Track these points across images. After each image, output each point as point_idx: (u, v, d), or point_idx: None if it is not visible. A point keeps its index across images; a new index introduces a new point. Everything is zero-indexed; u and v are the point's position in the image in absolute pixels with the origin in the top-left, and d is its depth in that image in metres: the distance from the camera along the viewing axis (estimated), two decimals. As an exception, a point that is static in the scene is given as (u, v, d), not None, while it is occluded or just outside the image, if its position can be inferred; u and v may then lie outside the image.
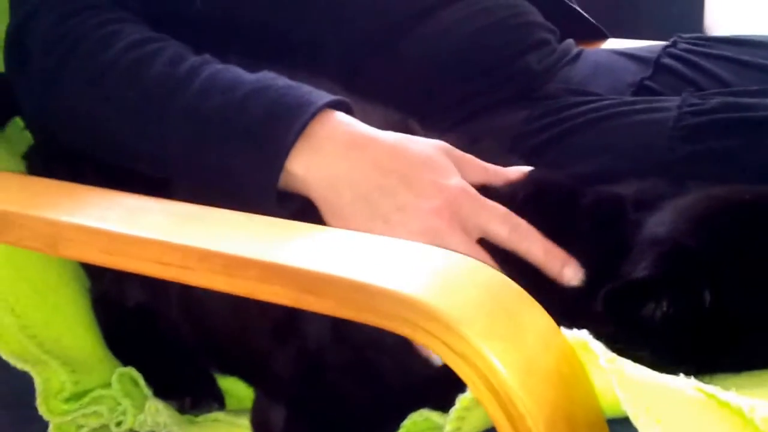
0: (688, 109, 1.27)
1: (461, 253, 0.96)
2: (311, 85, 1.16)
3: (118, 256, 0.97)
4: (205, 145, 1.12)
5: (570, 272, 1.03)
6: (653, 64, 1.47)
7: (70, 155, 1.27)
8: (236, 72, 1.16)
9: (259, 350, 1.16)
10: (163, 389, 1.25)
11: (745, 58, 1.46)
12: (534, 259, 1.04)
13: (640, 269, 0.99)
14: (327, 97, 1.11)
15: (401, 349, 0.98)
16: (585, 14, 1.74)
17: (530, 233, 1.05)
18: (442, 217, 1.05)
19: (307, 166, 1.08)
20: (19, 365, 1.23)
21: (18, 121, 1.38)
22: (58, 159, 1.29)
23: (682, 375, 0.89)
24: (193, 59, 1.18)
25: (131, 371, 1.26)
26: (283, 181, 1.08)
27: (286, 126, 1.09)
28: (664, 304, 0.98)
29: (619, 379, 0.84)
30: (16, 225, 1.03)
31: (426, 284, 0.85)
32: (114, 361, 1.30)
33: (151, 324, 1.29)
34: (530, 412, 0.79)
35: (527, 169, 1.14)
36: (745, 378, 1.00)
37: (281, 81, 1.14)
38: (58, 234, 1.00)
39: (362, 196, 1.06)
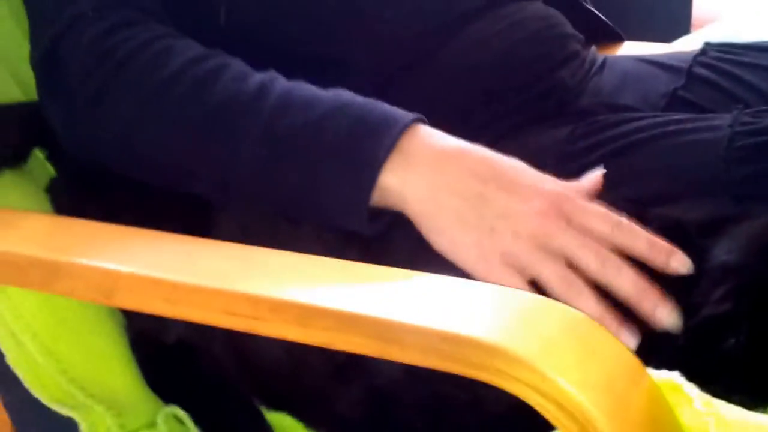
0: (741, 128, 1.25)
1: (576, 251, 0.98)
2: None
3: (182, 305, 0.94)
4: (284, 165, 1.09)
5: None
6: (686, 73, 1.45)
7: (99, 189, 1.23)
8: (310, 88, 1.13)
9: (318, 390, 1.13)
10: (211, 428, 1.21)
11: None
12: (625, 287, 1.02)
13: (716, 302, 0.97)
14: (410, 114, 1.10)
15: (478, 383, 0.96)
16: (602, 17, 1.72)
17: (633, 229, 1.04)
18: (549, 217, 1.03)
19: (403, 179, 1.06)
20: (63, 411, 1.20)
21: (38, 154, 1.34)
22: (87, 194, 1.25)
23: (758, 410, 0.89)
24: (259, 76, 1.14)
25: (176, 410, 1.24)
26: (376, 196, 1.06)
27: (375, 141, 1.07)
28: (742, 337, 0.96)
29: (717, 422, 0.83)
30: (68, 275, 1.00)
31: (512, 330, 0.83)
32: (157, 400, 1.27)
33: (192, 360, 1.25)
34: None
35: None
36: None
37: (359, 98, 1.12)
38: (115, 284, 0.97)
39: (464, 207, 1.05)
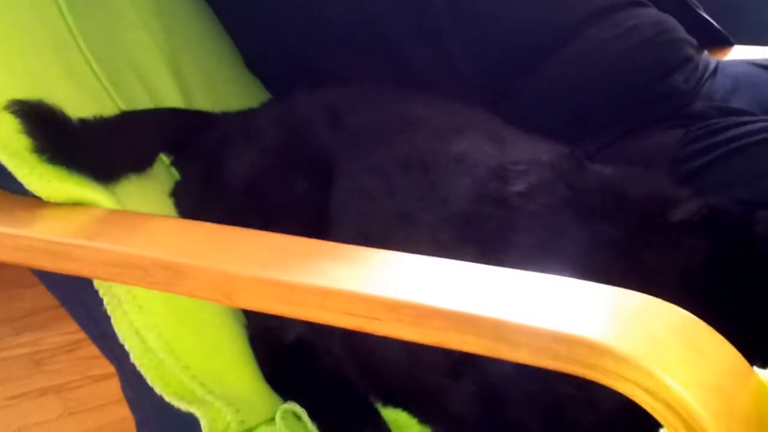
0: None
1: None
2: (464, 113, 1.16)
3: (299, 306, 0.97)
4: None
5: None
6: None
7: (222, 194, 1.27)
8: None
9: (431, 386, 1.15)
10: (328, 425, 1.24)
11: None
12: None
13: None
14: None
15: (590, 382, 0.98)
16: (712, 21, 1.72)
17: None
18: None
19: None
20: (183, 407, 1.24)
21: (163, 158, 1.39)
22: (210, 198, 1.29)
23: None
24: None
25: (295, 407, 1.27)
26: None
27: None
28: None
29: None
30: (189, 276, 1.03)
31: (623, 331, 0.85)
32: (275, 397, 1.30)
33: (310, 358, 1.29)
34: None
35: None
36: None
37: None
38: (234, 285, 1.01)
39: None
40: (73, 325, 1.37)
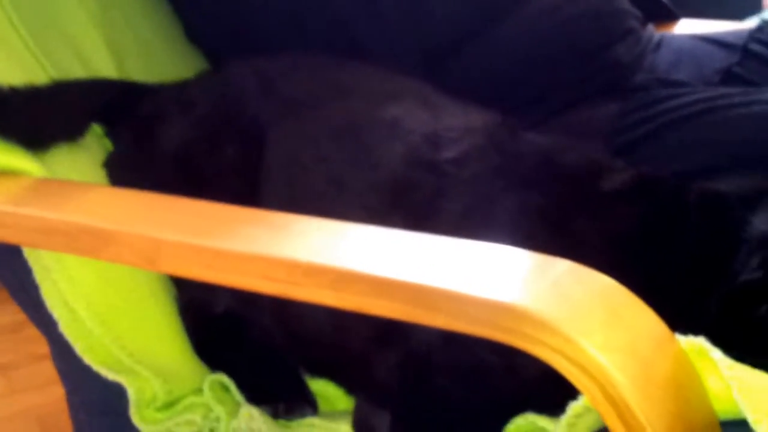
0: None
1: None
2: (397, 81, 1.16)
3: (222, 271, 0.97)
4: None
5: None
6: (740, 50, 1.44)
7: (154, 165, 1.26)
8: None
9: (357, 354, 1.15)
10: (256, 395, 1.24)
11: None
12: None
13: (753, 270, 0.98)
14: None
15: (513, 349, 0.97)
16: None
17: None
18: None
19: None
20: (111, 376, 1.23)
21: (96, 129, 1.37)
22: (142, 169, 1.28)
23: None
24: None
25: (222, 377, 1.26)
26: None
27: None
28: None
29: (739, 386, 0.84)
30: (114, 242, 1.03)
31: (540, 295, 0.84)
32: (205, 367, 1.30)
33: (239, 329, 1.28)
34: (650, 422, 0.78)
35: None
36: None
37: None
38: (158, 250, 1.00)
39: None
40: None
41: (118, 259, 1.06)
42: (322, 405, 1.27)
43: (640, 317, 0.86)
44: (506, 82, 1.39)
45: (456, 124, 1.20)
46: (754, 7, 2.41)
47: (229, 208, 1.05)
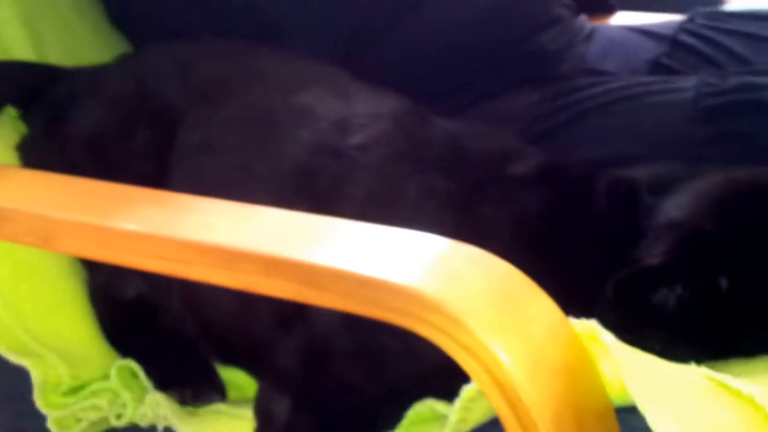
0: (706, 89, 1.26)
1: None
2: (312, 67, 1.16)
3: (115, 251, 0.96)
4: None
5: None
6: (670, 40, 1.45)
7: (66, 149, 1.25)
8: None
9: (263, 340, 1.14)
10: (163, 381, 1.23)
11: (765, 33, 1.43)
12: None
13: (654, 255, 0.98)
14: None
15: (411, 333, 0.97)
16: None
17: None
18: None
19: None
20: (15, 359, 1.21)
21: (10, 111, 1.36)
22: (54, 153, 1.27)
23: (691, 363, 0.89)
24: None
25: (130, 363, 1.25)
26: None
27: None
28: (678, 290, 0.97)
29: (628, 369, 0.83)
30: (10, 220, 1.01)
31: (430, 276, 0.83)
32: (113, 353, 1.28)
33: (150, 315, 1.27)
34: (535, 404, 0.78)
35: None
36: (756, 364, 0.99)
37: None
38: (52, 229, 0.99)
39: None
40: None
41: (14, 239, 1.05)
42: (232, 392, 1.26)
43: (532, 301, 0.85)
44: (427, 70, 1.38)
45: (366, 111, 1.20)
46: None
47: (128, 189, 1.04)
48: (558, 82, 1.39)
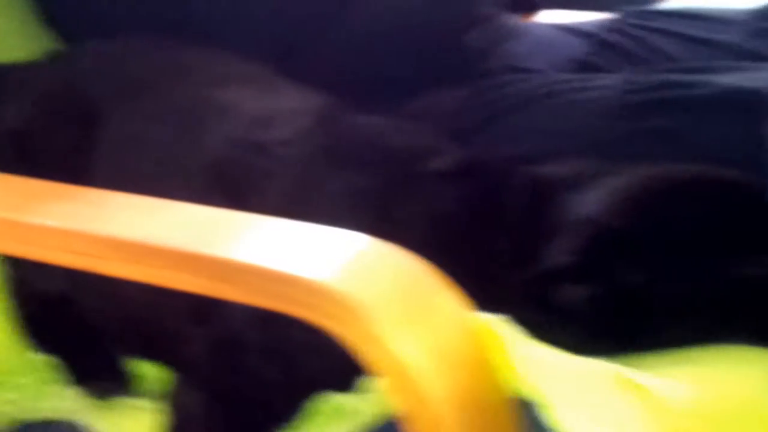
0: (628, 87, 1.27)
1: None
2: (236, 65, 1.18)
3: (28, 245, 0.96)
4: None
5: None
6: (597, 39, 1.46)
7: None
8: None
9: (177, 334, 1.14)
10: (73, 375, 1.24)
11: (693, 32, 1.44)
12: None
13: (565, 252, 0.99)
14: None
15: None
16: None
17: None
18: None
19: None
20: None
21: None
22: None
23: (593, 357, 0.90)
24: None
25: (45, 358, 1.24)
26: None
27: None
28: (586, 288, 0.98)
29: (531, 363, 0.85)
30: None
31: (336, 271, 0.84)
32: (28, 347, 1.28)
33: (67, 310, 1.27)
34: (434, 397, 0.79)
35: None
36: (659, 358, 1.01)
37: None
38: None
39: None
40: None
41: None
42: (148, 386, 1.26)
43: (436, 294, 0.86)
44: (354, 72, 1.39)
45: (287, 107, 1.21)
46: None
47: (44, 184, 1.04)
48: (484, 79, 1.39)
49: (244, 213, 0.95)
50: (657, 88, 1.25)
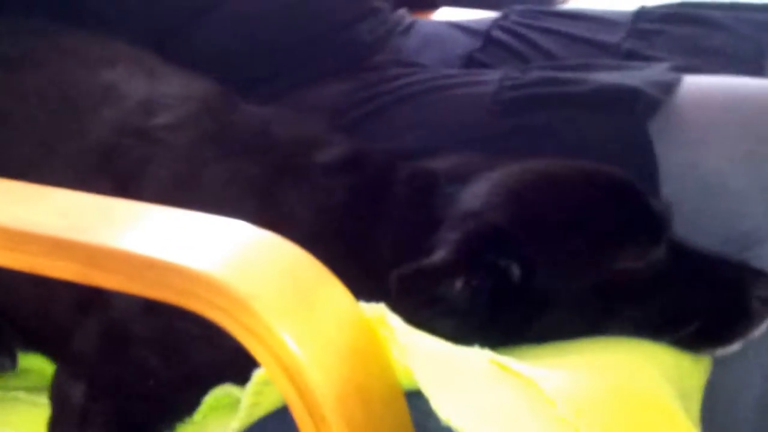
0: (507, 83, 1.28)
1: None
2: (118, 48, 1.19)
3: None
4: None
5: None
6: (483, 36, 1.47)
7: None
8: None
9: (60, 323, 1.13)
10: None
11: (575, 31, 1.47)
12: None
13: (443, 246, 0.99)
14: None
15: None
16: None
17: None
18: None
19: None
20: None
21: None
22: None
23: (477, 346, 0.90)
24: None
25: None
26: None
27: None
28: (461, 282, 0.98)
29: (413, 352, 0.84)
30: None
31: (217, 259, 0.83)
32: None
33: None
34: (318, 386, 0.78)
35: None
36: (542, 349, 1.02)
37: None
38: None
39: None
40: None
41: None
42: (37, 380, 1.23)
43: (321, 286, 0.86)
44: (237, 61, 1.39)
45: (173, 92, 1.19)
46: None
47: None
48: (370, 73, 1.40)
49: (127, 200, 0.93)
50: (534, 84, 1.27)
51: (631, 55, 1.44)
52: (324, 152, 1.13)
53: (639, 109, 1.21)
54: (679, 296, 1.06)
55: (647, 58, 1.41)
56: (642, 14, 1.53)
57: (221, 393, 1.03)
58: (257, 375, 0.90)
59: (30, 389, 1.20)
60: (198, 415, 1.04)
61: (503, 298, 1.01)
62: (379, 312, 0.87)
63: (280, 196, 1.10)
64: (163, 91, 1.19)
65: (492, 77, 1.31)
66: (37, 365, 1.25)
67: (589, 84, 1.25)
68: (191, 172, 1.12)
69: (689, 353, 1.07)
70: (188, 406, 1.04)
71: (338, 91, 1.36)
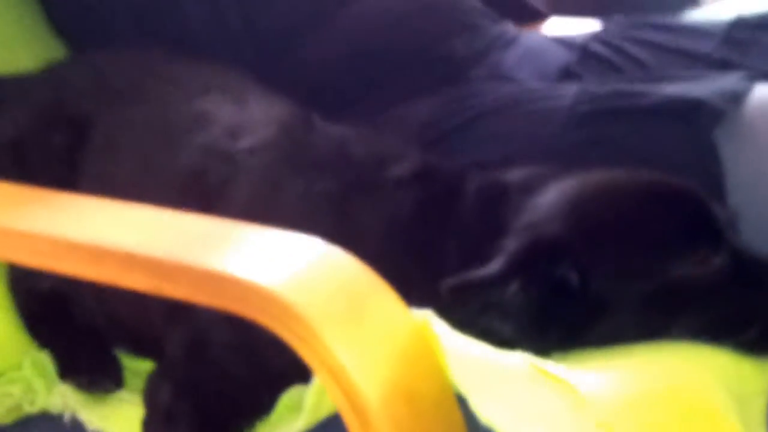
0: (582, 96, 1.31)
1: None
2: (217, 75, 1.25)
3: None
4: None
5: None
6: (580, 49, 1.50)
7: None
8: None
9: (156, 332, 1.21)
10: (63, 369, 1.30)
11: (669, 42, 1.49)
12: None
13: (502, 256, 1.03)
14: None
15: None
16: None
17: None
18: None
19: None
20: None
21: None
22: None
23: (530, 351, 0.94)
24: None
25: (42, 353, 1.31)
26: None
27: None
28: (517, 287, 1.02)
29: (455, 356, 0.89)
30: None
31: (273, 272, 0.88)
32: (27, 342, 1.35)
33: (63, 306, 1.34)
34: (363, 391, 0.83)
35: None
36: (597, 353, 1.05)
37: None
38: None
39: None
40: None
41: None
42: (139, 382, 1.31)
43: (373, 293, 0.91)
44: (341, 75, 1.44)
45: (257, 117, 1.27)
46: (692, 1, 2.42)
47: (16, 188, 1.11)
48: (463, 87, 1.44)
49: (198, 216, 1.00)
50: (606, 98, 1.29)
51: (724, 64, 1.44)
52: (396, 166, 1.18)
53: (702, 119, 1.23)
54: (740, 301, 1.07)
55: (741, 67, 1.41)
56: (738, 23, 1.52)
57: (295, 393, 1.09)
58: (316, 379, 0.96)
59: (133, 390, 1.29)
60: (273, 414, 1.10)
61: (561, 304, 1.04)
62: (425, 318, 0.91)
63: (353, 211, 1.15)
64: (247, 117, 1.27)
65: (569, 91, 1.33)
66: (143, 368, 1.33)
67: (655, 96, 1.28)
68: (268, 191, 1.19)
69: (750, 358, 1.07)
70: (265, 405, 1.10)
71: (430, 104, 1.40)
